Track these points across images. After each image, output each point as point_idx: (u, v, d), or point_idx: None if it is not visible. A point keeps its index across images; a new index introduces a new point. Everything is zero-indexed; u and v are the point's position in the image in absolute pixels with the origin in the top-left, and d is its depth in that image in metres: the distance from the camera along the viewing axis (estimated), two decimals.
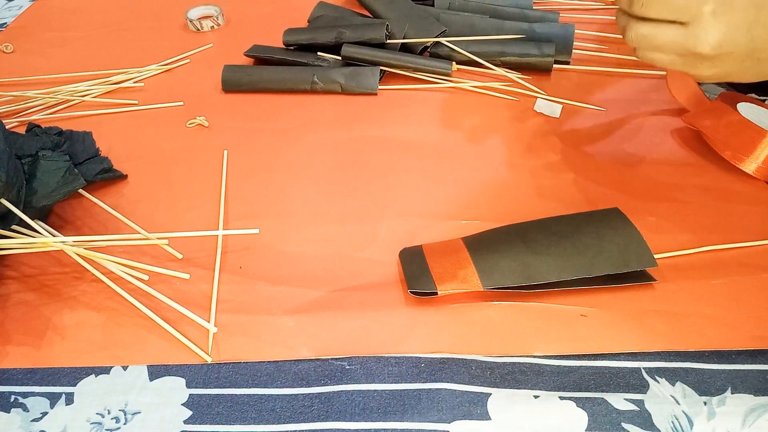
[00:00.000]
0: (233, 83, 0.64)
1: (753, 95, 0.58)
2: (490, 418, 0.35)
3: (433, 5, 0.72)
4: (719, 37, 0.39)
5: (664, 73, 0.63)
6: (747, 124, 0.49)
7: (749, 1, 0.38)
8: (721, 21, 0.38)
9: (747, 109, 0.51)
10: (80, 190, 0.50)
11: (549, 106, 0.59)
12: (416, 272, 0.42)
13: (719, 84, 0.61)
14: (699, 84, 0.58)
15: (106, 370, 0.39)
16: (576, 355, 0.38)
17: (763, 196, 0.48)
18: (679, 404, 0.36)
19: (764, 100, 0.56)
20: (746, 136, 0.49)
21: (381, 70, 0.63)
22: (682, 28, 0.40)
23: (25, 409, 0.38)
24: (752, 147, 0.48)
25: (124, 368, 0.39)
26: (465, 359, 0.38)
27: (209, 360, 0.39)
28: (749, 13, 0.38)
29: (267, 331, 0.41)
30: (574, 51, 0.64)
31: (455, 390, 0.37)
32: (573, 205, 0.48)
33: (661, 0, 0.39)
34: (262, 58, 0.67)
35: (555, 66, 0.64)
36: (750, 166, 0.49)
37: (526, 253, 0.42)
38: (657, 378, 0.37)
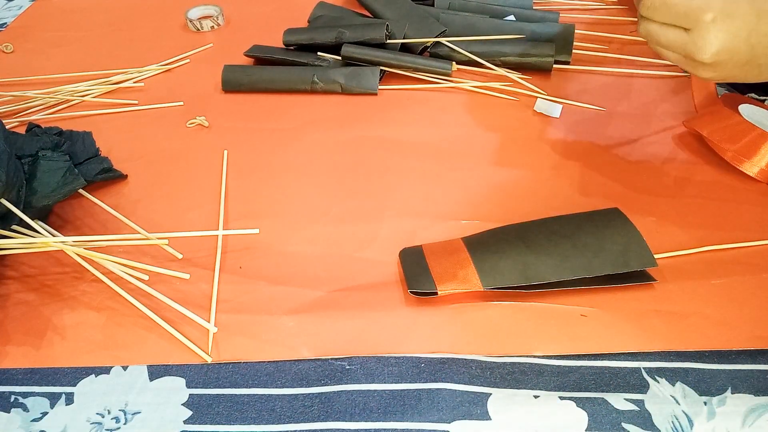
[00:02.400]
0: (233, 83, 0.64)
1: (753, 95, 0.58)
2: (490, 418, 0.35)
3: (433, 5, 0.72)
4: (718, 46, 0.39)
5: (662, 73, 0.63)
6: (749, 127, 0.49)
7: (749, 8, 0.38)
8: (721, 29, 0.39)
9: (749, 111, 0.51)
10: (80, 190, 0.50)
11: (549, 106, 0.58)
12: (416, 272, 0.42)
13: (720, 85, 0.61)
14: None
15: (106, 370, 0.39)
16: (576, 355, 0.38)
17: (763, 196, 0.48)
18: (679, 404, 0.36)
19: (764, 101, 0.56)
20: (748, 139, 0.49)
21: (381, 70, 0.63)
22: (684, 32, 0.40)
23: (25, 409, 0.38)
24: (754, 150, 0.48)
25: (124, 368, 0.39)
26: (465, 359, 0.38)
27: (209, 360, 0.39)
28: (749, 21, 0.38)
29: (267, 331, 0.41)
30: (574, 51, 0.64)
31: (455, 390, 0.37)
32: (573, 205, 0.48)
33: (665, 6, 0.40)
34: (262, 58, 0.67)
35: (555, 66, 0.64)
36: (752, 169, 0.49)
37: (526, 253, 0.42)
38: (657, 378, 0.37)
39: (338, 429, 0.35)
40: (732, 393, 0.36)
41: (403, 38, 0.65)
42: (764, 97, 0.57)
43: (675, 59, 0.43)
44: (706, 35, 0.39)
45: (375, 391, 0.37)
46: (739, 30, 0.39)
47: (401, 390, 0.37)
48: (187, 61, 0.70)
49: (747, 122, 0.49)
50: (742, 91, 0.59)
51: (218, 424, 0.36)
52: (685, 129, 0.55)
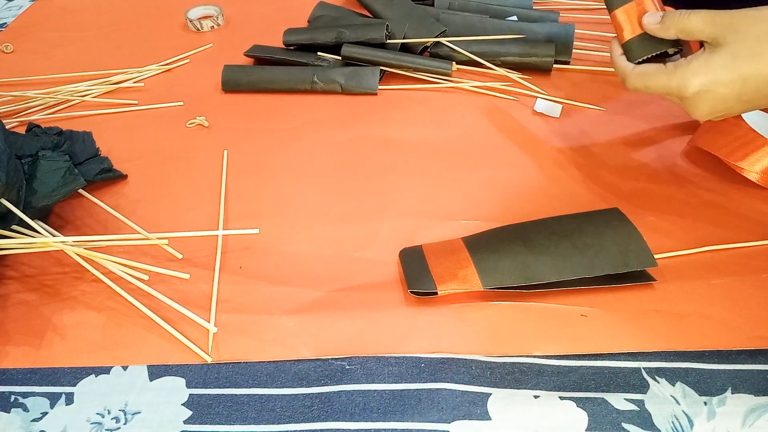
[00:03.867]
0: (233, 83, 0.64)
1: None
2: (490, 418, 0.35)
3: (433, 5, 0.72)
4: (709, 109, 0.41)
5: None
6: (751, 133, 0.48)
7: (731, 75, 0.39)
8: (707, 98, 0.40)
9: (750, 115, 0.50)
10: (80, 190, 0.50)
11: (549, 106, 0.59)
12: (416, 272, 0.42)
13: None
14: None
15: (106, 370, 0.39)
16: (576, 355, 0.38)
17: (763, 196, 0.48)
18: (679, 404, 0.36)
19: None
20: (749, 144, 0.48)
21: (381, 70, 0.63)
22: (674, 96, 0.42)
23: (25, 409, 0.38)
24: (755, 154, 0.48)
25: (124, 368, 0.39)
26: (465, 359, 0.38)
27: (209, 360, 0.39)
28: (734, 86, 0.39)
29: (267, 331, 0.41)
30: (574, 51, 0.64)
31: (455, 390, 0.37)
32: (573, 205, 0.48)
33: (646, 89, 0.43)
34: (262, 58, 0.67)
35: (555, 66, 0.63)
36: (752, 174, 0.48)
37: (526, 253, 0.42)
38: (657, 378, 0.37)
39: (338, 429, 0.35)
40: (732, 393, 0.36)
41: (403, 38, 0.65)
42: None
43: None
44: (694, 104, 0.41)
45: (375, 391, 0.37)
46: (727, 95, 0.39)
47: (401, 390, 0.37)
48: (187, 61, 0.70)
49: (749, 130, 0.48)
50: None
51: (218, 424, 0.36)
52: (684, 128, 0.55)
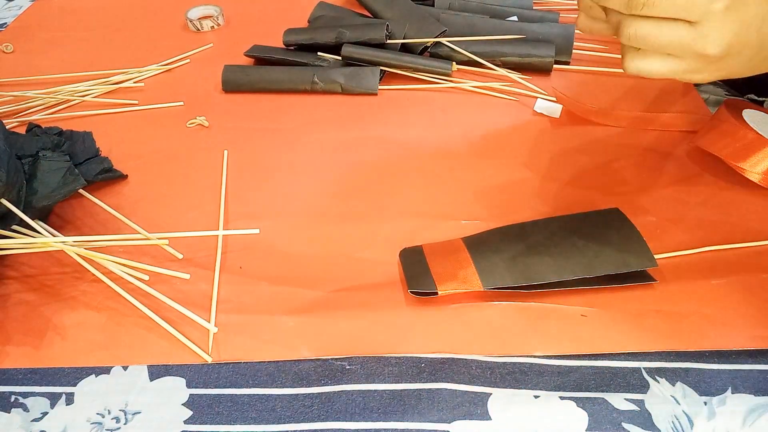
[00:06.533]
0: (233, 83, 0.64)
1: (752, 96, 0.58)
2: (490, 418, 0.35)
3: (433, 5, 0.72)
4: (730, 37, 0.34)
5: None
6: (752, 134, 0.48)
7: None
8: (734, 19, 0.34)
9: (752, 117, 0.50)
10: (80, 190, 0.50)
11: (549, 106, 0.58)
12: (416, 272, 0.42)
13: (718, 85, 0.61)
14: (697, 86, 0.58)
15: (106, 370, 0.39)
16: (576, 355, 0.38)
17: (764, 197, 0.48)
18: (679, 404, 0.36)
19: (762, 102, 0.56)
20: (753, 146, 0.48)
21: (381, 70, 0.63)
22: (688, 26, 0.34)
23: (26, 409, 0.38)
24: (755, 155, 0.48)
25: (125, 368, 0.39)
26: (465, 359, 0.38)
27: (209, 360, 0.39)
28: (762, 8, 0.34)
29: (267, 331, 0.41)
30: (574, 51, 0.64)
31: (455, 390, 0.37)
32: (573, 205, 0.48)
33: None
34: (262, 58, 0.67)
35: (555, 66, 0.64)
36: (754, 176, 0.48)
37: (526, 253, 0.42)
38: (657, 378, 0.37)
39: (338, 429, 0.35)
40: (732, 393, 0.36)
41: (403, 38, 0.65)
42: (763, 99, 0.57)
43: (669, 70, 0.37)
44: (718, 25, 0.34)
45: (375, 391, 0.37)
46: (752, 18, 0.34)
47: (401, 390, 0.37)
48: (187, 61, 0.70)
49: (751, 131, 0.48)
50: (741, 91, 0.59)
51: (218, 424, 0.36)
52: (685, 129, 0.55)
